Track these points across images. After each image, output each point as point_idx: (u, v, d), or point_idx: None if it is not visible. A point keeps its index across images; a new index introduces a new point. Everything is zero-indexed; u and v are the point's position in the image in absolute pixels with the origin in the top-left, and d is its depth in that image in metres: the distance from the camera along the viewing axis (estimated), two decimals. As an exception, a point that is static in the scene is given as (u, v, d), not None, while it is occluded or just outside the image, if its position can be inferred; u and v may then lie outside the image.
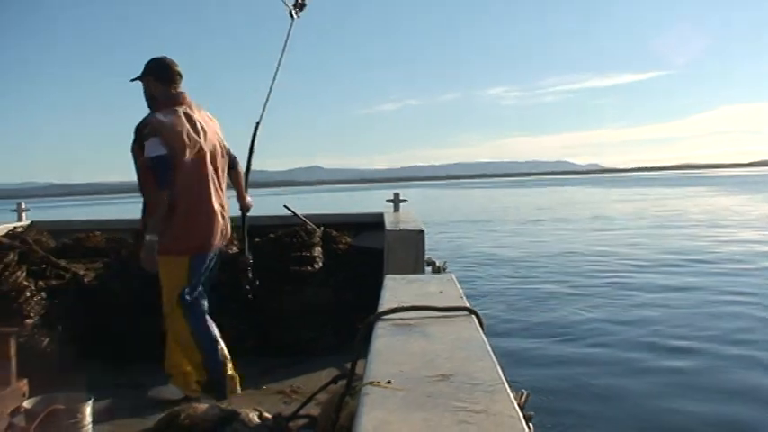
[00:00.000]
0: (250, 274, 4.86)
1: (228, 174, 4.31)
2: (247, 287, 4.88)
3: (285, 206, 6.36)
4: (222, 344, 4.06)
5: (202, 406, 2.49)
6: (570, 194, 74.11)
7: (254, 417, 2.41)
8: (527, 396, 3.04)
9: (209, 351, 3.98)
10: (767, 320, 9.86)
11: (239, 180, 4.57)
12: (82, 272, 5.43)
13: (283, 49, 5.23)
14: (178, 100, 4.00)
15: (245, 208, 4.69)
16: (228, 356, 4.06)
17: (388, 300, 2.20)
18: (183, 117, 3.91)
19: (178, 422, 2.36)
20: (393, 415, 1.22)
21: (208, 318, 4.07)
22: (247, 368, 4.63)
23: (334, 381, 2.77)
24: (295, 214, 6.17)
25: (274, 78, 5.17)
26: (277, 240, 5.49)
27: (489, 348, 1.75)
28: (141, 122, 3.89)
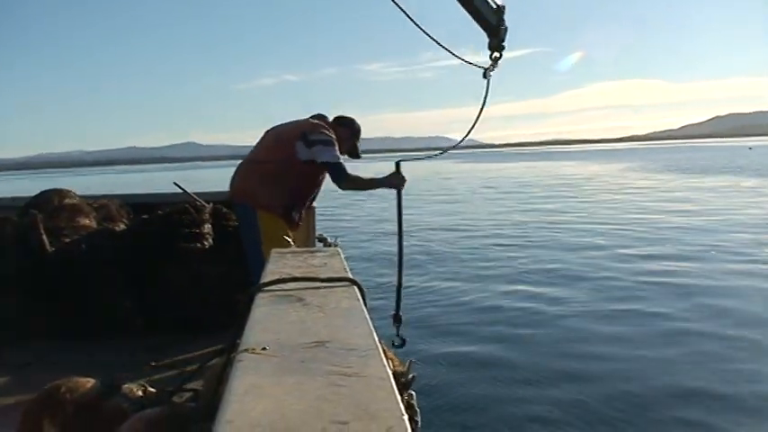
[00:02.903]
0: None
1: None
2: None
3: (175, 183, 6.23)
4: None
5: (83, 380, 2.46)
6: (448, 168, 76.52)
7: (138, 390, 2.40)
8: (410, 363, 3.17)
9: None
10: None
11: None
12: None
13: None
14: None
15: None
16: None
17: (270, 272, 2.23)
18: None
19: (58, 396, 2.33)
20: (265, 379, 1.26)
21: None
22: (136, 345, 4.60)
23: (218, 354, 2.79)
24: (185, 191, 6.06)
25: None
26: (166, 217, 5.39)
27: (367, 316, 1.81)
28: None
